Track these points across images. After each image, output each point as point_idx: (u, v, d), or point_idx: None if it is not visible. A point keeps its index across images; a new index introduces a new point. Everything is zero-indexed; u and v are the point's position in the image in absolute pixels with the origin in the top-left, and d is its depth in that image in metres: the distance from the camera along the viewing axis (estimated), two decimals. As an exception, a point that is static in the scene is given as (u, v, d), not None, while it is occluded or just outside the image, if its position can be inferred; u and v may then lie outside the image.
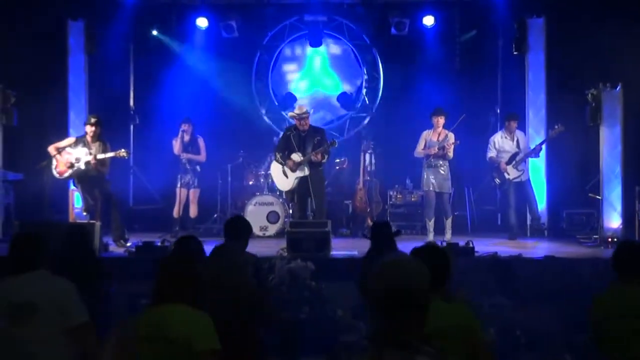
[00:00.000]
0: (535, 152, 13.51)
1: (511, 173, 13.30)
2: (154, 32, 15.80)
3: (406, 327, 3.23)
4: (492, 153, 13.55)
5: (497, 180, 13.51)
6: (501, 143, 13.50)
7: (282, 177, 12.80)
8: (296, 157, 12.54)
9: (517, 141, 13.45)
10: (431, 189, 12.96)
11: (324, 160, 12.63)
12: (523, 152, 13.37)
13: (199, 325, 4.57)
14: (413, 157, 13.31)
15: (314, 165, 12.51)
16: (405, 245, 12.38)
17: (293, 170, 12.59)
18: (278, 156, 12.75)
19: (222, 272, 6.07)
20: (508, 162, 13.32)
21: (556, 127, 13.23)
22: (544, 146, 13.64)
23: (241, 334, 5.60)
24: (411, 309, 3.25)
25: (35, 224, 11.65)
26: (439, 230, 13.09)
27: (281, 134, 13.94)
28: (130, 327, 4.62)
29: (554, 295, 8.83)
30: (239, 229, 7.24)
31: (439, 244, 12.00)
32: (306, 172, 12.53)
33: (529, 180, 13.53)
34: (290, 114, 13.16)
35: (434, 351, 3.21)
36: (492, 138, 13.73)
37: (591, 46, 13.92)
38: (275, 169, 12.95)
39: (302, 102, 14.76)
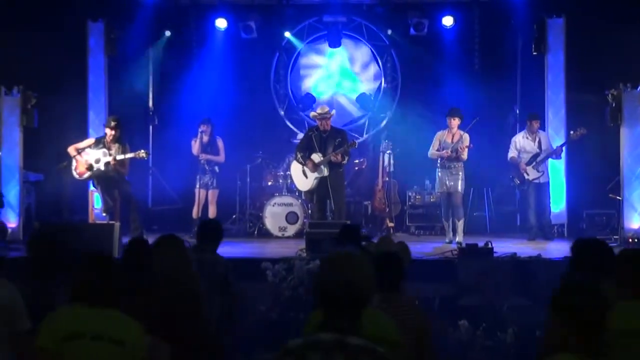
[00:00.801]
0: (556, 154, 13.44)
1: (530, 174, 13.24)
2: (167, 34, 15.87)
3: (342, 317, 3.41)
4: (512, 153, 13.50)
5: (517, 181, 13.45)
6: (522, 143, 13.43)
7: (302, 177, 12.84)
8: (316, 157, 12.58)
9: (539, 142, 13.37)
10: (444, 190, 12.95)
11: (344, 162, 12.66)
12: (544, 153, 13.32)
13: (131, 329, 4.57)
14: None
15: (333, 166, 12.54)
16: (424, 246, 12.56)
17: (312, 171, 12.62)
18: (299, 156, 12.80)
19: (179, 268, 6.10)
20: (528, 163, 13.26)
21: (578, 129, 13.17)
22: (564, 148, 13.58)
23: (193, 329, 5.58)
24: (349, 303, 3.42)
25: (54, 225, 11.74)
26: (452, 231, 13.12)
27: (300, 134, 14.00)
28: (45, 329, 4.55)
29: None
30: (207, 233, 7.43)
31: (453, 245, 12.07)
32: (325, 172, 12.56)
33: (547, 183, 13.46)
34: (312, 113, 13.21)
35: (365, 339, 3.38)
36: (513, 138, 13.68)
37: (611, 46, 13.88)
38: (295, 169, 13.00)
39: (321, 103, 14.77)
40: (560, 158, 13.71)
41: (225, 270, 7.36)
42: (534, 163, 13.23)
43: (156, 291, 5.38)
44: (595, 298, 3.62)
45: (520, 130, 14.33)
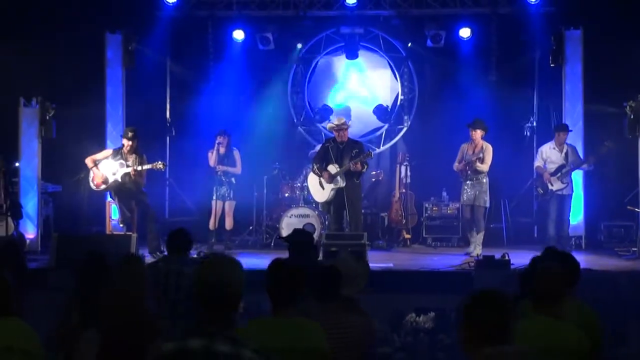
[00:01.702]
0: (587, 164, 13.38)
1: (555, 184, 13.16)
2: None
3: (214, 319, 3.50)
4: (538, 162, 13.46)
5: (540, 190, 13.38)
6: (549, 153, 13.35)
7: (319, 188, 12.87)
8: (332, 168, 12.61)
9: (566, 153, 13.29)
10: (466, 202, 12.98)
11: (363, 170, 12.71)
12: (571, 165, 13.24)
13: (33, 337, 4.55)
14: (449, 169, 13.38)
15: (350, 177, 12.57)
16: (442, 258, 12.57)
17: (329, 182, 12.65)
18: (315, 167, 12.85)
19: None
20: (553, 174, 13.17)
21: (605, 143, 13.09)
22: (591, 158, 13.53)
23: None
24: (220, 303, 3.52)
25: (72, 236, 11.82)
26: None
27: (317, 146, 14.03)
28: None
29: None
30: (174, 244, 7.52)
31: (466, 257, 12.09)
32: (342, 183, 12.59)
33: (570, 195, 13.38)
34: (329, 125, 13.25)
35: (237, 338, 3.48)
36: (541, 148, 13.63)
37: (629, 57, 13.89)
38: (312, 180, 13.04)
39: (338, 114, 14.80)
40: (592, 167, 13.62)
41: (190, 282, 7.32)
42: (559, 174, 13.16)
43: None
44: (499, 311, 3.65)
45: (537, 142, 14.31)
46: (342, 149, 12.70)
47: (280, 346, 4.42)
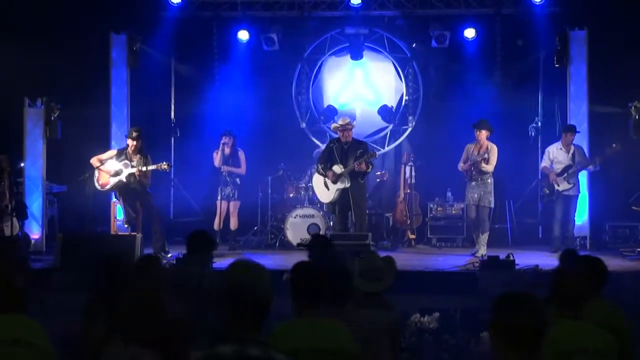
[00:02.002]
0: (593, 164, 13.38)
1: (561, 185, 13.19)
2: None
3: (243, 323, 3.46)
4: (545, 163, 13.51)
5: (546, 191, 13.42)
6: (556, 154, 13.41)
7: (324, 189, 12.90)
8: (337, 168, 12.64)
9: (573, 154, 13.34)
10: (471, 202, 12.99)
11: (368, 170, 12.74)
12: (578, 166, 13.26)
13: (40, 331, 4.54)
14: (453, 169, 13.41)
15: (355, 177, 12.60)
16: (446, 259, 12.60)
17: (334, 182, 12.68)
18: (320, 167, 12.88)
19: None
20: (560, 174, 13.21)
21: (613, 145, 13.10)
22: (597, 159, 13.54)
23: None
24: (250, 307, 3.47)
25: (77, 237, 11.86)
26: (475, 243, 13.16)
27: (322, 146, 14.06)
28: None
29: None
30: (193, 245, 7.36)
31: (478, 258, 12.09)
32: (347, 184, 12.62)
33: (576, 196, 13.43)
34: (333, 125, 13.27)
35: (266, 341, 3.46)
36: (547, 148, 13.68)
37: (634, 58, 13.85)
38: (317, 180, 13.08)
39: (343, 115, 14.81)
40: (598, 168, 13.62)
41: (209, 285, 7.27)
42: (566, 174, 13.18)
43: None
44: (533, 315, 3.60)
45: (542, 142, 14.32)
46: (347, 149, 12.73)
47: (309, 347, 4.40)
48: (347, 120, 12.93)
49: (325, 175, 12.82)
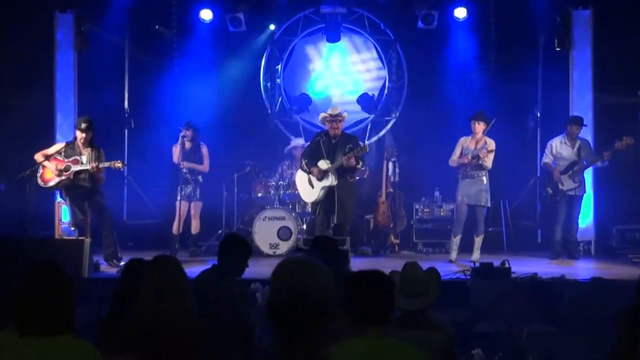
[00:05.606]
0: (601, 161, 13.32)
1: (566, 184, 13.14)
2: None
3: (302, 339, 3.29)
4: (547, 159, 13.45)
5: (549, 191, 13.35)
6: (559, 149, 13.35)
7: (308, 187, 12.75)
8: (323, 164, 12.49)
9: (579, 149, 13.29)
10: (465, 201, 12.93)
11: (358, 166, 12.57)
12: (584, 162, 13.22)
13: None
14: (442, 166, 13.34)
15: (343, 174, 12.44)
16: (433, 265, 12.52)
17: (319, 179, 12.54)
18: (304, 163, 12.73)
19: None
20: (564, 172, 13.16)
21: (624, 138, 13.01)
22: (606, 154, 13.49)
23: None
24: (304, 319, 3.27)
25: (15, 241, 11.69)
26: (468, 248, 13.06)
27: (294, 140, 13.97)
28: None
29: (602, 321, 8.75)
30: (228, 251, 7.33)
31: (469, 264, 12.05)
32: (333, 181, 12.45)
33: (582, 196, 13.39)
34: (322, 115, 13.05)
35: None
36: (550, 142, 13.60)
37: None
38: (301, 177, 12.92)
39: (317, 104, 14.74)
40: (607, 164, 13.54)
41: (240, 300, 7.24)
42: (571, 172, 13.13)
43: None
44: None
45: (541, 136, 14.30)
46: (335, 144, 12.58)
47: None
48: (338, 111, 12.74)
49: (309, 172, 12.67)
